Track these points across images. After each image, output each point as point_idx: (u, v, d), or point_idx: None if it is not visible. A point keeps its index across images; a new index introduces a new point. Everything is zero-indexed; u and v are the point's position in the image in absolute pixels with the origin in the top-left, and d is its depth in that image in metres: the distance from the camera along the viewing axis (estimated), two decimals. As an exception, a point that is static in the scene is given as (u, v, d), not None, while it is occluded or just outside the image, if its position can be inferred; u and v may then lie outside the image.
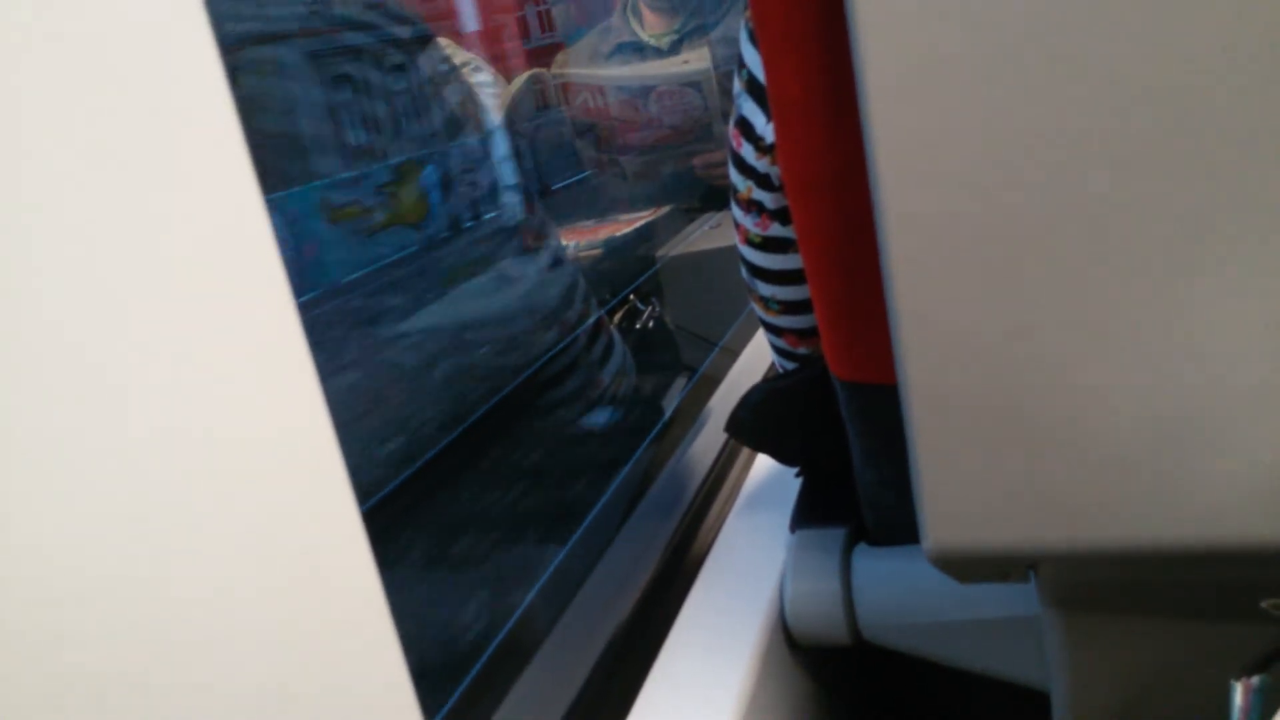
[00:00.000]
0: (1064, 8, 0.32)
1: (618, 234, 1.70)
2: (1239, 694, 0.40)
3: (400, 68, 1.08)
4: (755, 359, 1.08)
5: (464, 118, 1.12)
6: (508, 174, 1.19)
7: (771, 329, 0.62)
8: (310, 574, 0.25)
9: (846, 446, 0.56)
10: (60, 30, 0.19)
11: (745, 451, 0.87)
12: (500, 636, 0.65)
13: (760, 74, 0.52)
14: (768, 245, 0.57)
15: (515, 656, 0.60)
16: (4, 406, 0.18)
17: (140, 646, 0.20)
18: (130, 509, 0.20)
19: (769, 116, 0.53)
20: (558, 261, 1.18)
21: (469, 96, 1.13)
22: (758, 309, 0.62)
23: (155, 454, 0.21)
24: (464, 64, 1.22)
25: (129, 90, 0.20)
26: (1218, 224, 0.32)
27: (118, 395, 0.20)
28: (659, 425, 0.98)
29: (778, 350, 0.64)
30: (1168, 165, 0.32)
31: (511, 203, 1.18)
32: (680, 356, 1.55)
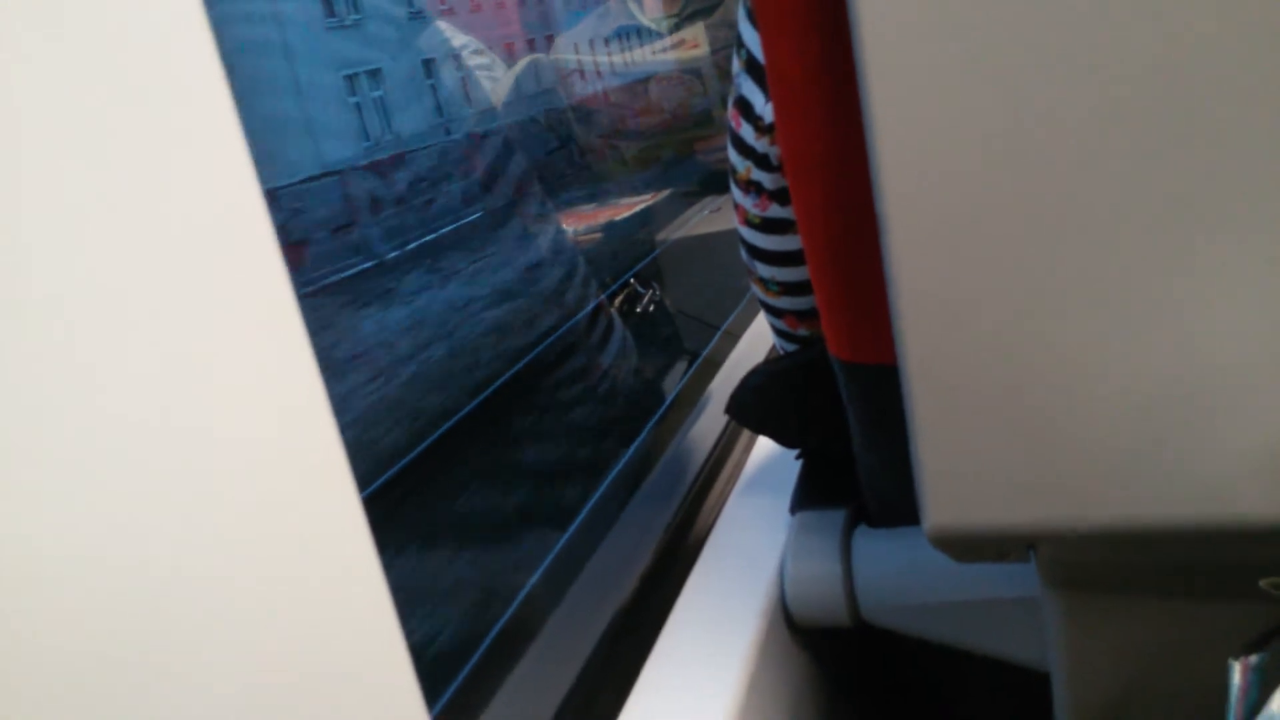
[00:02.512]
0: None
1: (617, 218, 1.70)
2: (1238, 673, 0.40)
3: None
4: (756, 342, 1.08)
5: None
6: (505, 158, 1.18)
7: (771, 310, 0.62)
8: (312, 563, 0.25)
9: (847, 428, 0.56)
10: (59, 26, 0.19)
11: (746, 434, 0.87)
12: (503, 620, 0.65)
13: (759, 53, 0.52)
14: (767, 226, 0.56)
15: (517, 638, 0.60)
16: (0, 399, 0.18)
17: (140, 638, 0.20)
18: (129, 502, 0.20)
19: (768, 96, 0.52)
20: (557, 246, 1.17)
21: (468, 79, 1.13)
22: (757, 290, 0.61)
23: (153, 446, 0.21)
24: (463, 46, 1.21)
25: (128, 82, 0.20)
26: (1216, 203, 0.32)
27: (116, 388, 0.20)
28: (660, 408, 0.98)
29: (778, 332, 0.64)
30: (1168, 145, 0.32)
31: (510, 187, 1.18)
32: (681, 340, 1.55)
